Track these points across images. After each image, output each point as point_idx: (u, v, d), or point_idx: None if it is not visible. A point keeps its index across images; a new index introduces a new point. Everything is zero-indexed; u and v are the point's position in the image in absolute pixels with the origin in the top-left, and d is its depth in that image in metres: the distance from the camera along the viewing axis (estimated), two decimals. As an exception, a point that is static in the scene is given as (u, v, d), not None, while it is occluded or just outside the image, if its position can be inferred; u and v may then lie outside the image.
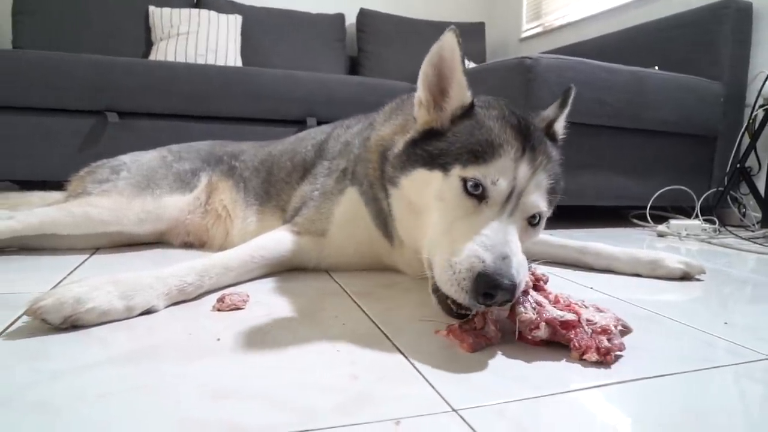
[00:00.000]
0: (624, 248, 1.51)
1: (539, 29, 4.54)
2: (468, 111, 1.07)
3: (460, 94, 1.08)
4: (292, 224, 1.40)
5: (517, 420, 0.63)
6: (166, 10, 3.70)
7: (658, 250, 1.51)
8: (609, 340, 0.81)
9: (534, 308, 0.87)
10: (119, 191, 1.53)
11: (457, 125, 1.06)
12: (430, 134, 1.08)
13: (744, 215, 2.72)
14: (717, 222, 2.47)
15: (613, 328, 0.83)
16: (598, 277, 1.42)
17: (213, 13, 3.80)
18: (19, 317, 0.92)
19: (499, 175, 0.95)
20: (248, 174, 1.71)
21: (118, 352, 0.80)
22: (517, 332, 0.87)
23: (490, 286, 0.82)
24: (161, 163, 1.66)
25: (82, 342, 0.84)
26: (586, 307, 0.90)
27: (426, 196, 1.04)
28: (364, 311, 1.05)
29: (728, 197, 2.71)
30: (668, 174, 2.69)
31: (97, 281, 0.94)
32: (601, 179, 2.57)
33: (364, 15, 4.40)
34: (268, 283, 1.25)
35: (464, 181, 0.96)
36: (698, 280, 1.44)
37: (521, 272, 0.87)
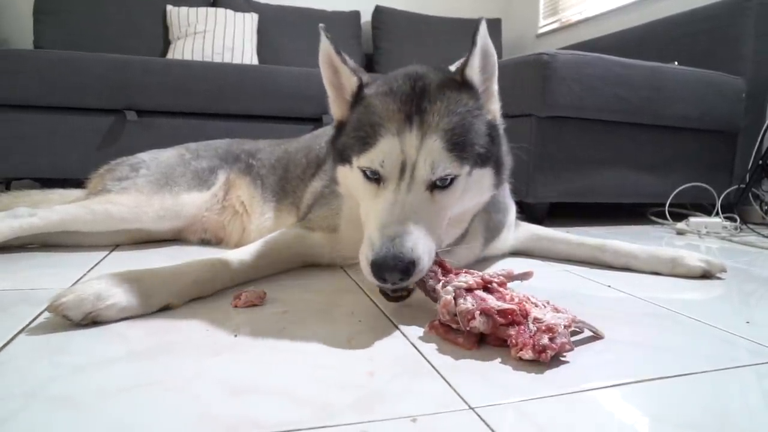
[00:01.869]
0: (643, 246, 1.49)
1: (556, 25, 4.50)
2: (358, 95, 1.10)
3: (348, 81, 1.12)
4: (306, 221, 1.41)
5: (534, 419, 0.63)
6: (184, 9, 3.73)
7: (678, 248, 1.49)
8: (551, 339, 0.79)
9: (474, 301, 0.87)
10: (138, 189, 1.55)
11: (353, 113, 1.10)
12: (340, 129, 1.13)
13: (766, 212, 2.67)
14: (738, 219, 2.43)
15: (559, 328, 0.81)
16: (616, 276, 1.40)
17: (230, 11, 3.83)
18: (40, 313, 0.94)
19: (383, 156, 0.97)
20: (265, 171, 1.73)
21: (137, 348, 0.81)
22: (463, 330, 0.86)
23: (381, 270, 0.86)
24: (179, 161, 1.68)
25: (103, 337, 0.85)
26: (543, 306, 0.89)
27: (350, 189, 1.10)
28: (379, 308, 1.05)
29: (750, 194, 2.66)
30: (688, 171, 2.65)
31: (116, 278, 0.95)
32: (620, 176, 2.54)
33: (379, 12, 4.40)
34: (284, 280, 1.25)
35: (362, 170, 1.01)
36: (719, 278, 1.42)
37: (417, 248, 0.88)
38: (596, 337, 0.90)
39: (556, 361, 0.80)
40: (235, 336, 0.87)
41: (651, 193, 2.63)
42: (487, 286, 0.93)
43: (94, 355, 0.78)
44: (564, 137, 2.38)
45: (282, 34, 4.03)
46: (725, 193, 2.57)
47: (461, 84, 1.09)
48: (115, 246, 1.61)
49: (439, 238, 0.99)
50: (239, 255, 1.20)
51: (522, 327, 0.82)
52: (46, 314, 0.91)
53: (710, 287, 1.34)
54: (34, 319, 0.92)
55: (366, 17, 4.42)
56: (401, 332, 0.92)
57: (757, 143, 2.69)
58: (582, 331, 0.91)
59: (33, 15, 3.55)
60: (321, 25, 1.11)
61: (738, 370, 0.81)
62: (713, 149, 2.77)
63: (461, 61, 1.11)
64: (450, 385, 0.71)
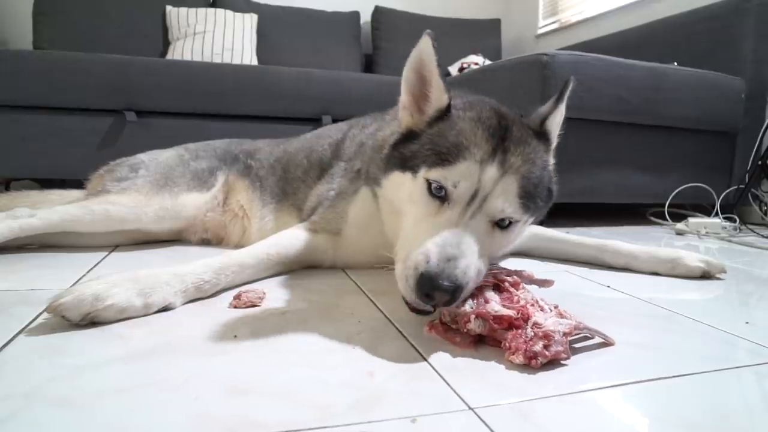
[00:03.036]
0: (643, 246, 1.49)
1: (556, 25, 4.51)
2: (444, 113, 1.07)
3: (437, 96, 1.08)
4: (309, 223, 1.40)
5: (534, 419, 0.63)
6: (183, 10, 3.73)
7: (677, 248, 1.49)
8: (546, 346, 0.79)
9: (478, 304, 0.87)
10: (138, 189, 1.55)
11: (432, 128, 1.06)
12: (409, 137, 1.09)
13: (766, 213, 2.67)
14: (737, 220, 2.43)
15: (557, 336, 0.80)
16: (616, 276, 1.40)
17: (229, 12, 3.83)
18: (39, 314, 0.94)
19: (461, 177, 0.95)
20: (264, 172, 1.72)
21: (137, 349, 0.81)
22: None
23: (430, 286, 0.83)
24: (179, 162, 1.68)
25: (102, 338, 0.85)
26: (549, 311, 0.88)
27: (400, 197, 1.06)
28: (379, 309, 1.05)
29: (749, 195, 2.66)
30: (687, 171, 2.65)
31: (115, 279, 0.95)
32: (619, 176, 2.54)
33: (379, 12, 4.40)
34: (285, 281, 1.25)
35: (428, 182, 0.98)
36: (718, 279, 1.42)
37: (468, 274, 0.87)
38: (606, 344, 0.89)
39: (555, 362, 0.80)
40: (235, 336, 0.87)
41: (650, 193, 2.63)
42: (498, 285, 0.93)
43: (93, 355, 0.77)
44: (563, 138, 2.37)
45: (282, 34, 4.04)
46: (724, 193, 2.57)
47: (539, 134, 1.09)
48: (115, 246, 1.61)
49: (482, 274, 0.97)
50: (239, 256, 1.20)
51: (519, 331, 0.82)
52: (46, 315, 0.91)
53: (710, 288, 1.34)
54: (34, 320, 0.91)
55: (365, 17, 4.43)
56: (401, 333, 0.91)
57: (757, 144, 2.70)
58: (592, 337, 0.90)
59: (32, 16, 3.55)
60: (428, 30, 1.06)
61: (737, 371, 0.81)
62: (712, 150, 2.77)
63: (543, 109, 1.12)
64: (449, 386, 0.71)
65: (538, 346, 0.78)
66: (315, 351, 0.83)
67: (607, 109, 2.40)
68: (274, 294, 1.11)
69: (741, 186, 2.67)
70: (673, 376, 0.77)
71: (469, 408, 0.65)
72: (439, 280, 0.83)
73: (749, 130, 2.75)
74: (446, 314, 0.88)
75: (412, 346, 0.86)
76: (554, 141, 1.13)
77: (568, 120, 2.37)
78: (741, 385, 0.78)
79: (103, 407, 0.62)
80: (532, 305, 0.88)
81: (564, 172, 2.35)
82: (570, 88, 1.08)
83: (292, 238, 1.34)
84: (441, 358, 0.80)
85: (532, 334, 0.81)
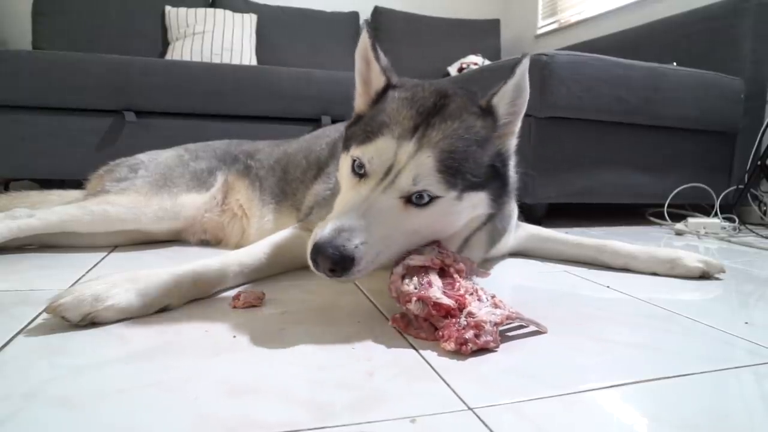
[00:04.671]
0: (642, 246, 1.49)
1: (555, 26, 4.51)
2: (383, 94, 1.12)
3: (377, 79, 1.14)
4: (306, 223, 1.40)
5: (533, 419, 0.63)
6: (182, 10, 3.74)
7: (677, 248, 1.49)
8: (477, 335, 0.83)
9: (421, 285, 0.90)
10: (137, 189, 1.55)
11: (372, 110, 1.11)
12: (357, 120, 1.14)
13: (765, 213, 2.68)
14: (737, 220, 2.43)
15: (487, 326, 0.84)
16: (615, 276, 1.40)
17: (228, 12, 3.83)
18: (39, 314, 0.94)
19: (375, 153, 0.98)
20: (264, 173, 1.72)
21: (136, 349, 0.81)
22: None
23: (315, 254, 0.89)
24: (178, 162, 1.68)
25: (101, 339, 0.85)
26: (485, 301, 0.91)
27: (341, 176, 1.11)
28: (378, 309, 1.05)
29: (749, 195, 2.67)
30: (687, 171, 2.65)
31: (115, 279, 0.95)
32: (619, 177, 2.54)
33: (378, 13, 4.40)
34: (283, 281, 1.25)
35: (353, 160, 1.02)
36: (718, 279, 1.42)
37: (360, 248, 0.89)
38: (540, 331, 0.93)
39: (555, 362, 0.81)
40: (234, 337, 0.87)
41: (650, 193, 2.63)
42: (443, 268, 0.95)
43: (92, 356, 0.77)
44: (563, 138, 2.38)
45: (281, 34, 4.04)
46: (724, 193, 2.57)
47: (484, 111, 1.07)
48: (114, 247, 1.61)
49: (396, 254, 0.98)
50: (238, 256, 1.20)
51: (454, 320, 0.86)
52: (45, 315, 0.91)
53: (709, 288, 1.34)
54: (33, 320, 0.91)
55: (365, 18, 4.42)
56: (400, 333, 0.91)
57: (756, 144, 2.70)
58: (528, 326, 0.93)
59: (32, 16, 3.56)
60: (365, 19, 1.14)
61: (736, 371, 0.82)
62: (712, 150, 2.78)
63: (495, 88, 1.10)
64: (449, 386, 0.71)
65: (469, 335, 0.83)
66: (314, 351, 0.83)
67: (606, 109, 2.40)
68: (273, 294, 1.11)
69: (740, 186, 2.67)
70: (673, 377, 0.77)
71: (469, 408, 0.65)
72: (325, 249, 0.88)
73: (748, 130, 2.75)
74: (393, 290, 0.92)
75: (412, 346, 0.86)
76: (502, 117, 1.09)
77: (567, 120, 2.37)
78: (740, 386, 0.78)
79: (103, 407, 0.62)
80: (471, 294, 0.91)
81: (563, 172, 2.39)
82: (523, 64, 1.05)
83: (291, 238, 1.34)
84: (440, 358, 0.81)
85: (465, 323, 0.85)
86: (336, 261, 0.88)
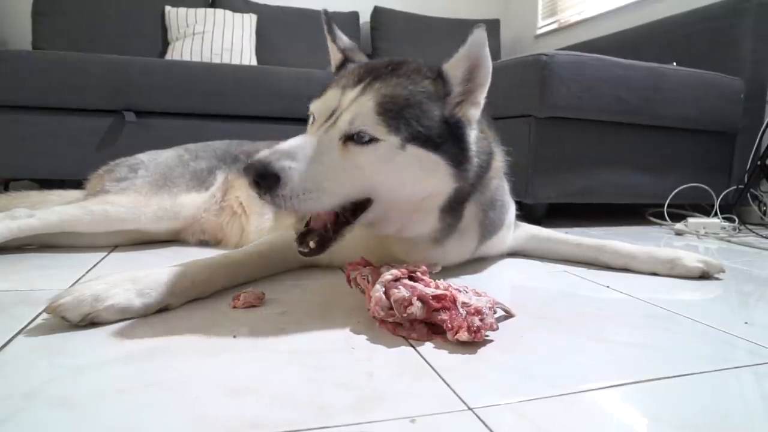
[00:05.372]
0: (642, 246, 1.49)
1: (555, 26, 4.51)
2: (341, 68, 1.26)
3: (335, 57, 1.31)
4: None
5: (533, 419, 0.63)
6: (182, 10, 3.73)
7: (676, 248, 1.49)
8: (481, 320, 0.85)
9: (408, 289, 0.91)
10: (137, 189, 1.55)
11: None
12: None
13: (765, 213, 2.68)
14: (737, 220, 2.43)
15: (486, 310, 0.87)
16: (615, 276, 1.40)
17: (228, 12, 3.83)
18: (39, 314, 0.94)
19: (322, 102, 1.09)
20: (264, 172, 1.72)
21: (136, 349, 0.81)
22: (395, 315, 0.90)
23: (248, 168, 0.93)
24: (178, 162, 1.68)
25: (101, 338, 0.85)
26: (466, 291, 0.93)
27: None
28: (379, 309, 1.05)
29: (748, 195, 2.67)
30: (687, 171, 2.65)
31: (115, 279, 0.95)
32: (619, 177, 2.54)
33: (378, 13, 4.40)
34: (283, 281, 1.25)
35: (309, 116, 1.12)
36: (717, 279, 1.42)
37: (293, 172, 0.93)
38: (508, 315, 0.99)
39: (555, 362, 0.81)
40: (234, 337, 0.87)
41: (650, 193, 2.63)
42: (411, 276, 0.97)
43: (92, 356, 0.77)
44: (563, 138, 2.38)
45: (281, 34, 4.03)
46: (724, 193, 2.57)
47: (435, 76, 1.12)
48: (114, 247, 1.61)
49: (340, 200, 1.02)
50: (238, 256, 1.20)
51: (454, 311, 0.87)
52: (45, 315, 0.91)
53: (709, 288, 1.34)
54: (33, 320, 0.91)
55: (365, 18, 4.42)
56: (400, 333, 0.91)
57: (756, 144, 2.70)
58: (496, 312, 0.95)
59: (31, 16, 3.55)
60: (323, 8, 1.28)
61: (736, 371, 0.82)
62: (712, 150, 2.77)
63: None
64: (449, 386, 0.71)
65: (477, 321, 0.84)
66: (314, 351, 0.83)
67: (606, 109, 2.40)
68: (273, 294, 1.11)
69: (740, 186, 2.67)
70: (672, 377, 0.77)
71: (469, 408, 0.65)
72: (254, 162, 0.92)
73: (748, 130, 2.76)
74: (379, 310, 0.90)
75: (411, 346, 0.86)
76: (455, 84, 1.11)
77: (567, 120, 2.37)
78: (740, 385, 0.78)
79: (102, 408, 0.62)
80: (449, 288, 0.93)
81: (563, 172, 2.39)
82: (474, 34, 1.06)
83: (289, 236, 1.34)
84: (440, 358, 0.80)
85: (465, 312, 0.86)
86: (260, 173, 0.92)
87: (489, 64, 1.11)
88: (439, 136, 1.07)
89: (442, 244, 1.27)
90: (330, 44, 1.29)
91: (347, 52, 1.27)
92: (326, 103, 1.07)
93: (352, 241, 1.35)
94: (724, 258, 1.74)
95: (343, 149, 1.01)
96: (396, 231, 1.20)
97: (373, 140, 1.01)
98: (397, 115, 1.02)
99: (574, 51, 2.52)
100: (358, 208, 1.07)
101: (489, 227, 1.38)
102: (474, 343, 0.84)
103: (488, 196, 1.32)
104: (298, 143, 0.98)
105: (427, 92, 1.08)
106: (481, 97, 1.15)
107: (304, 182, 0.95)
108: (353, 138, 1.01)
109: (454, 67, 1.11)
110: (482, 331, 0.83)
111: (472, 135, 1.16)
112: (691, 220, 2.35)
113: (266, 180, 0.92)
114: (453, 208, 1.20)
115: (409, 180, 1.07)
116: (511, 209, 1.51)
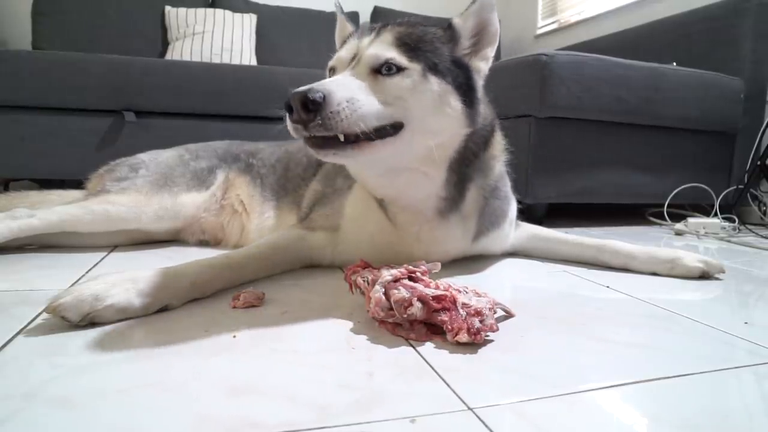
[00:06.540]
0: (642, 246, 1.49)
1: (555, 26, 4.51)
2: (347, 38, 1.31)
3: (342, 31, 1.39)
4: (307, 221, 1.40)
5: (533, 419, 0.63)
6: (182, 10, 3.73)
7: (676, 248, 1.49)
8: (481, 321, 0.84)
9: (408, 290, 0.90)
10: (138, 189, 1.55)
11: None
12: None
13: (765, 213, 2.68)
14: (737, 220, 2.43)
15: (486, 311, 0.86)
16: (615, 276, 1.40)
17: (228, 12, 3.83)
18: (38, 314, 0.94)
19: (343, 51, 1.16)
20: (265, 171, 1.73)
21: (136, 349, 0.81)
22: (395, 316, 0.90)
23: (289, 100, 0.98)
24: (179, 162, 1.68)
25: (101, 338, 0.85)
26: (466, 292, 0.93)
27: None
28: (379, 309, 1.05)
29: (748, 195, 2.67)
30: (687, 171, 2.65)
31: (115, 279, 0.95)
32: (619, 177, 2.55)
33: (378, 12, 4.40)
34: (284, 281, 1.25)
35: (329, 71, 1.19)
36: (717, 279, 1.42)
37: (336, 90, 0.99)
38: (508, 315, 0.98)
39: (555, 362, 0.81)
40: (234, 337, 0.87)
41: (649, 193, 2.63)
42: (411, 276, 0.97)
43: (92, 356, 0.77)
44: (563, 138, 2.38)
45: (281, 34, 4.03)
46: (724, 193, 2.58)
47: (446, 26, 1.22)
48: (114, 247, 1.61)
49: (376, 116, 1.04)
50: (238, 256, 1.20)
51: (453, 312, 0.86)
52: (45, 315, 0.91)
53: (709, 288, 1.34)
54: (33, 320, 0.91)
55: (365, 18, 4.42)
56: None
57: (756, 144, 2.70)
58: (496, 312, 0.95)
59: (32, 16, 3.55)
60: (336, 1, 1.35)
61: (736, 371, 0.81)
62: (712, 150, 2.78)
63: None
64: (449, 386, 0.71)
65: (477, 323, 0.84)
66: (314, 351, 0.83)
67: (606, 109, 2.41)
68: (273, 294, 1.11)
69: (740, 186, 2.67)
70: (672, 377, 0.77)
71: (469, 408, 0.65)
72: (297, 91, 0.96)
73: (748, 130, 2.76)
74: (379, 311, 0.90)
75: (411, 346, 0.86)
76: (464, 37, 1.22)
77: (567, 120, 2.38)
78: (740, 386, 0.78)
79: (102, 408, 0.62)
80: (448, 289, 0.92)
81: (563, 172, 2.40)
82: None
83: (290, 236, 1.34)
84: (440, 358, 0.80)
85: (465, 313, 0.86)
86: (305, 98, 0.95)
87: (497, 26, 1.23)
88: (451, 72, 1.16)
89: (447, 218, 1.28)
90: (339, 17, 1.38)
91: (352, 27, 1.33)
92: (347, 52, 1.14)
93: (356, 240, 1.36)
94: (724, 258, 1.74)
95: (374, 81, 1.07)
96: (405, 186, 1.22)
97: (399, 70, 1.08)
98: (414, 47, 1.12)
99: (574, 51, 2.52)
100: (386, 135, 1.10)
101: (491, 216, 1.38)
102: (474, 343, 0.84)
103: (491, 181, 1.33)
104: (329, 80, 1.04)
105: (438, 36, 1.19)
106: (490, 53, 1.25)
107: (345, 93, 1.00)
108: (380, 71, 1.08)
109: (463, 21, 1.22)
110: (482, 332, 0.83)
111: (480, 84, 1.24)
112: (691, 220, 2.35)
113: (314, 103, 0.96)
114: (458, 175, 1.25)
115: (433, 108, 1.13)
116: (514, 204, 1.52)
